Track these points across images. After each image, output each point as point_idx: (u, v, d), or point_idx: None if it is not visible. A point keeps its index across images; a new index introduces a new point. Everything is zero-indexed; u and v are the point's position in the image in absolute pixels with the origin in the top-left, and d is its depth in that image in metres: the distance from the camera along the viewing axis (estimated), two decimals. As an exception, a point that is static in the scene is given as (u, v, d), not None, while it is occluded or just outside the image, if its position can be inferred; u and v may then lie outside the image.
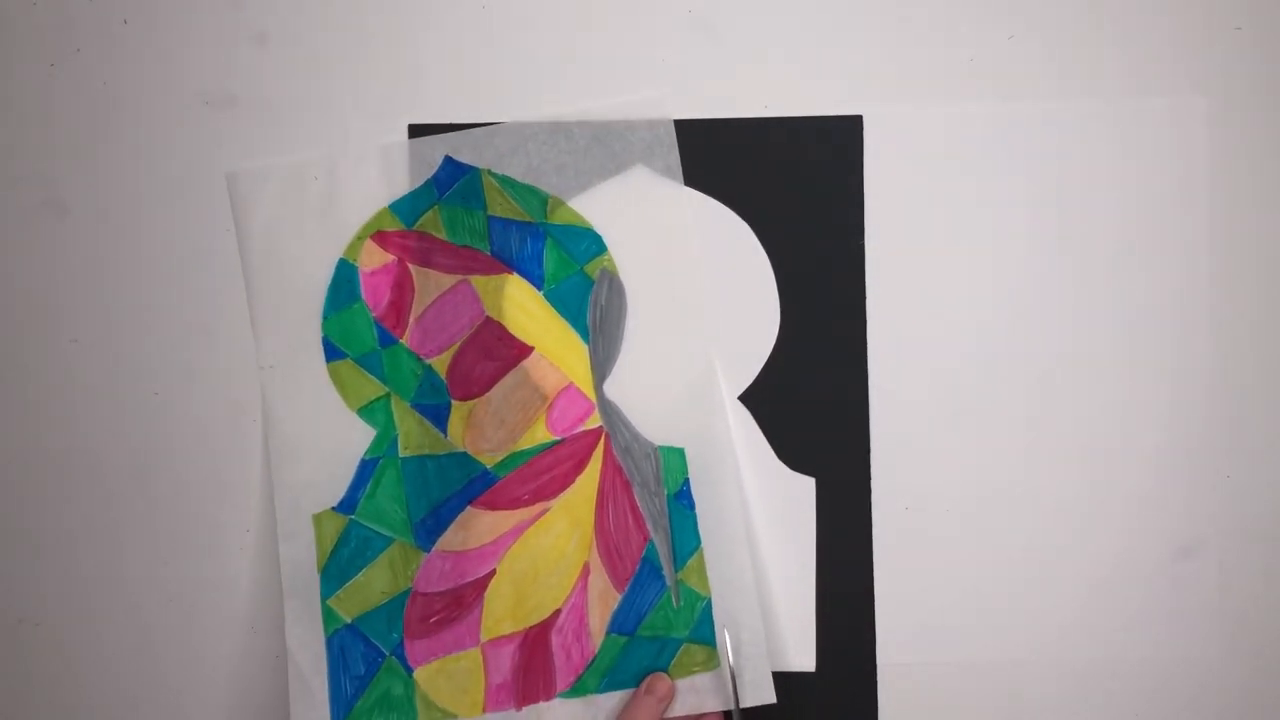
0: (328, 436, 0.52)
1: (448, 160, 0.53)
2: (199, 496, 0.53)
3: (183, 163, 0.53)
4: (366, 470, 0.52)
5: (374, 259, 0.53)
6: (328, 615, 0.52)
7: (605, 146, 0.53)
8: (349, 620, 0.52)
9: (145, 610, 0.53)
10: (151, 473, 0.53)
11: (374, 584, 0.52)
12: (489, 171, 0.53)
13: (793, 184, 0.53)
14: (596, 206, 0.53)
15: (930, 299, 0.53)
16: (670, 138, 0.53)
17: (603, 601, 0.52)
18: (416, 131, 0.53)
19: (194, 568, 0.53)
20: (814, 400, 0.53)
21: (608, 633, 0.52)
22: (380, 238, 0.53)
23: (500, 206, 0.53)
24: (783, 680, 0.52)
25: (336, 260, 0.53)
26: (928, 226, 0.53)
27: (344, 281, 0.53)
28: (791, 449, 0.53)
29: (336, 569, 0.52)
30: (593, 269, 0.53)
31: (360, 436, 0.52)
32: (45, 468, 0.53)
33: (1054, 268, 0.53)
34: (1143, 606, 0.53)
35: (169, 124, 0.53)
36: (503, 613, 0.52)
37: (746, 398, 0.53)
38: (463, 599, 0.52)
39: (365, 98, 0.53)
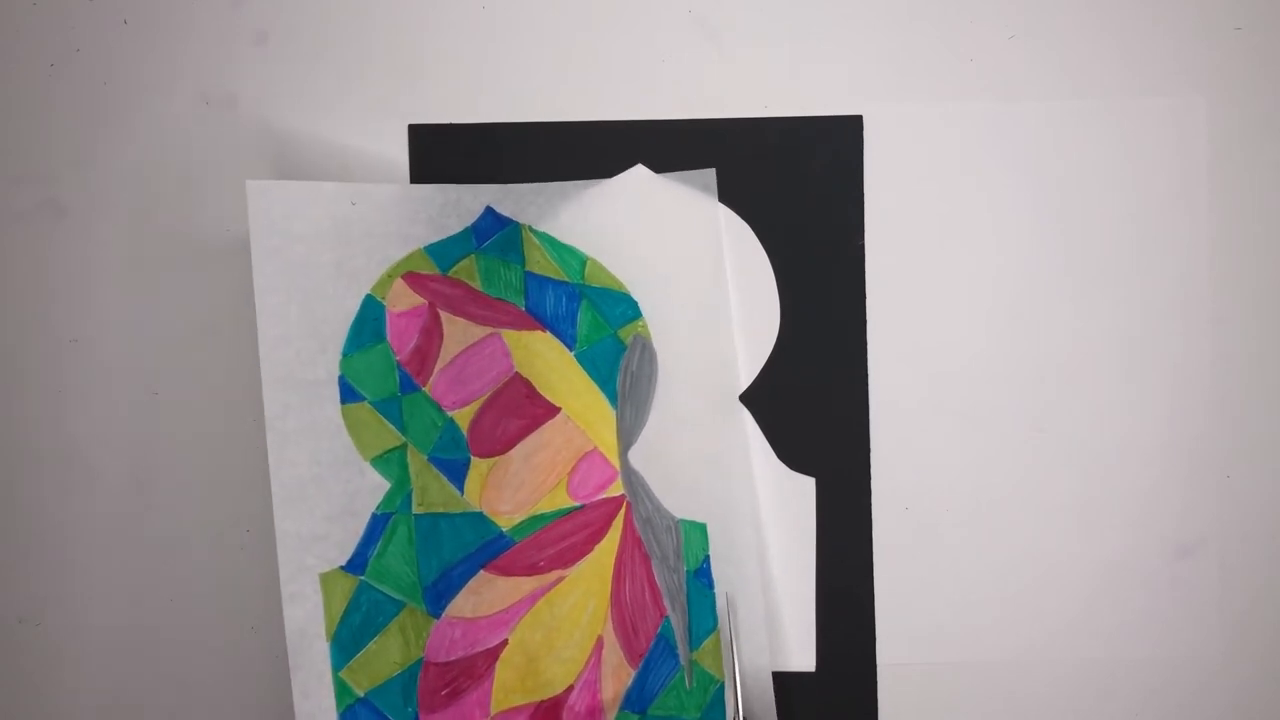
0: (337, 486, 0.49)
1: (489, 211, 0.51)
2: (199, 496, 0.53)
3: (183, 163, 0.53)
4: (378, 526, 0.50)
5: (403, 300, 0.51)
6: (340, 688, 0.49)
7: (646, 210, 0.52)
8: (362, 694, 0.49)
9: (145, 610, 0.53)
10: (151, 473, 0.53)
11: (386, 653, 0.49)
12: (530, 228, 0.52)
13: (793, 184, 0.53)
14: (634, 267, 0.52)
15: (930, 299, 0.53)
16: (715, 213, 0.52)
17: (616, 677, 0.51)
18: (416, 131, 0.53)
19: (194, 568, 0.53)
20: (814, 400, 0.53)
21: (620, 710, 0.51)
22: (412, 279, 0.51)
23: (538, 264, 0.52)
24: (783, 680, 0.52)
25: (363, 295, 0.50)
26: (928, 226, 0.53)
27: (369, 319, 0.50)
28: (791, 449, 0.53)
29: (348, 636, 0.49)
30: (626, 334, 0.52)
31: (372, 488, 0.50)
32: (45, 468, 0.53)
33: (1054, 267, 0.53)
34: (1143, 606, 0.53)
35: (169, 124, 0.53)
36: (513, 684, 0.50)
37: (746, 398, 0.53)
38: (474, 669, 0.50)
39: (365, 98, 0.53)
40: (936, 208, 0.53)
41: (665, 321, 0.52)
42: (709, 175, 0.53)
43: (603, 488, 0.51)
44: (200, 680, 0.53)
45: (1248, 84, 0.53)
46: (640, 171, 0.53)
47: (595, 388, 0.52)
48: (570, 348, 0.52)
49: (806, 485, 0.53)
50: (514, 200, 0.52)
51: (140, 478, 0.53)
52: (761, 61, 0.54)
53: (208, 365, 0.53)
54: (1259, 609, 0.53)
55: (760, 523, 0.52)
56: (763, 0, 0.54)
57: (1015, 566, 0.53)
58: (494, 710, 0.50)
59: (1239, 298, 0.53)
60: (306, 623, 0.49)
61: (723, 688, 0.51)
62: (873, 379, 0.53)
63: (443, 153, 0.53)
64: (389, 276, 0.51)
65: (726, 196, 0.53)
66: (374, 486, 0.50)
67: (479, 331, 0.51)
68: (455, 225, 0.51)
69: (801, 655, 0.53)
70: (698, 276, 0.53)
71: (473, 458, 0.51)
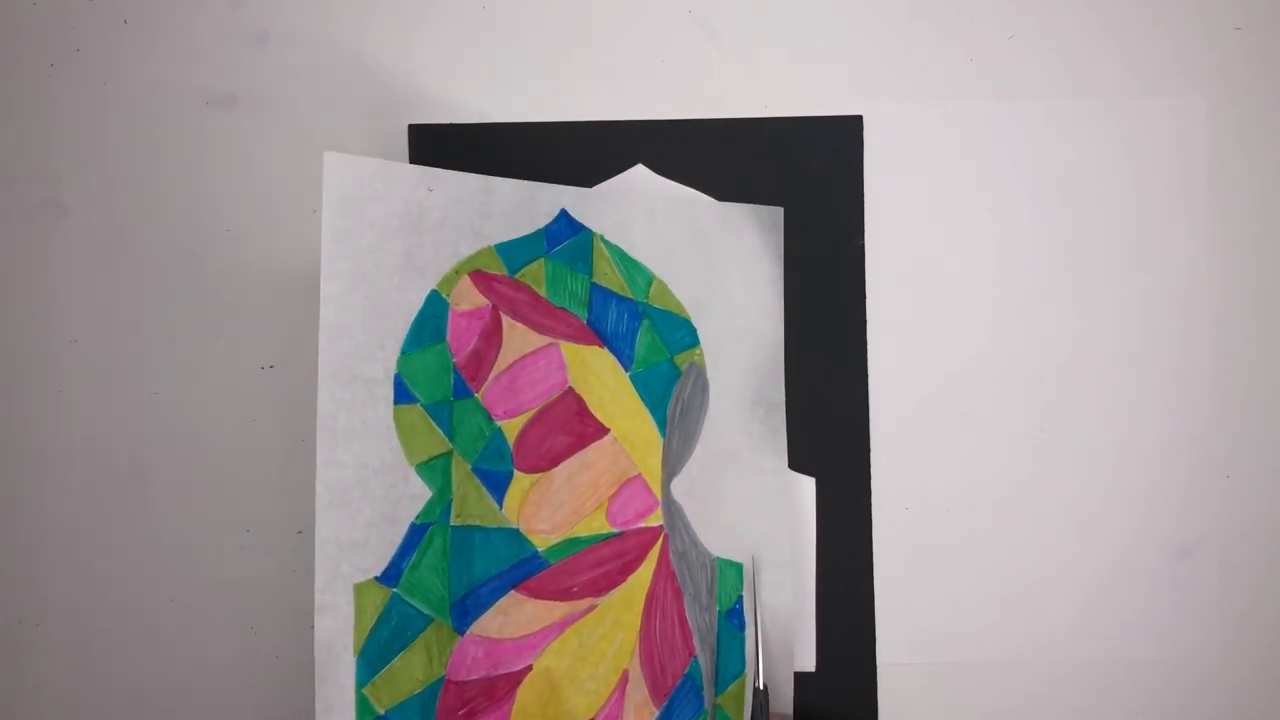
0: (381, 492, 0.46)
1: (564, 214, 0.50)
2: (199, 496, 0.53)
3: (183, 163, 0.53)
4: (416, 536, 0.47)
5: (468, 299, 0.48)
6: (361, 706, 0.46)
7: (717, 240, 0.52)
8: (382, 711, 0.46)
9: (145, 610, 0.53)
10: (151, 473, 0.53)
11: (411, 670, 0.47)
12: (602, 237, 0.50)
13: (793, 184, 0.53)
14: (696, 293, 0.51)
15: (930, 299, 0.53)
16: (779, 252, 0.52)
17: (638, 715, 0.49)
18: (416, 132, 0.53)
19: (194, 568, 0.53)
20: (814, 400, 0.53)
21: None
22: (479, 278, 0.49)
23: (605, 277, 0.50)
24: (783, 680, 0.52)
25: (428, 290, 0.48)
26: (928, 226, 0.53)
27: (431, 316, 0.48)
28: (791, 449, 0.53)
29: (375, 650, 0.46)
30: (682, 360, 0.51)
31: (414, 496, 0.47)
32: (45, 468, 0.53)
33: (1054, 267, 0.53)
34: (1143, 606, 0.53)
35: (169, 124, 0.53)
36: (534, 710, 0.48)
37: (746, 398, 0.53)
38: (494, 691, 0.47)
39: (365, 98, 0.53)
40: (936, 208, 0.53)
41: (720, 354, 0.52)
42: (777, 214, 0.53)
43: (642, 516, 0.50)
44: (200, 680, 0.53)
45: (1248, 84, 0.53)
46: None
47: (646, 411, 0.50)
48: (626, 367, 0.50)
49: (806, 485, 0.53)
50: (591, 206, 0.51)
51: (140, 477, 0.53)
52: (761, 61, 0.53)
53: (208, 365, 0.53)
54: (1259, 609, 0.53)
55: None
56: (763, 0, 0.54)
57: (1015, 566, 0.53)
58: None
59: (1239, 298, 0.53)
60: (336, 635, 0.46)
61: None
62: (873, 379, 0.53)
63: (443, 153, 0.53)
64: (456, 273, 0.48)
65: (727, 197, 0.53)
66: (416, 494, 0.47)
67: (538, 340, 0.49)
68: (528, 225, 0.50)
69: (802, 655, 0.53)
70: (758, 314, 0.52)
71: (516, 472, 0.49)
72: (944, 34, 0.53)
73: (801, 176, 0.53)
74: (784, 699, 0.52)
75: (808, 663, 0.53)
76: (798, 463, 0.53)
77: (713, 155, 0.53)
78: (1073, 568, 0.53)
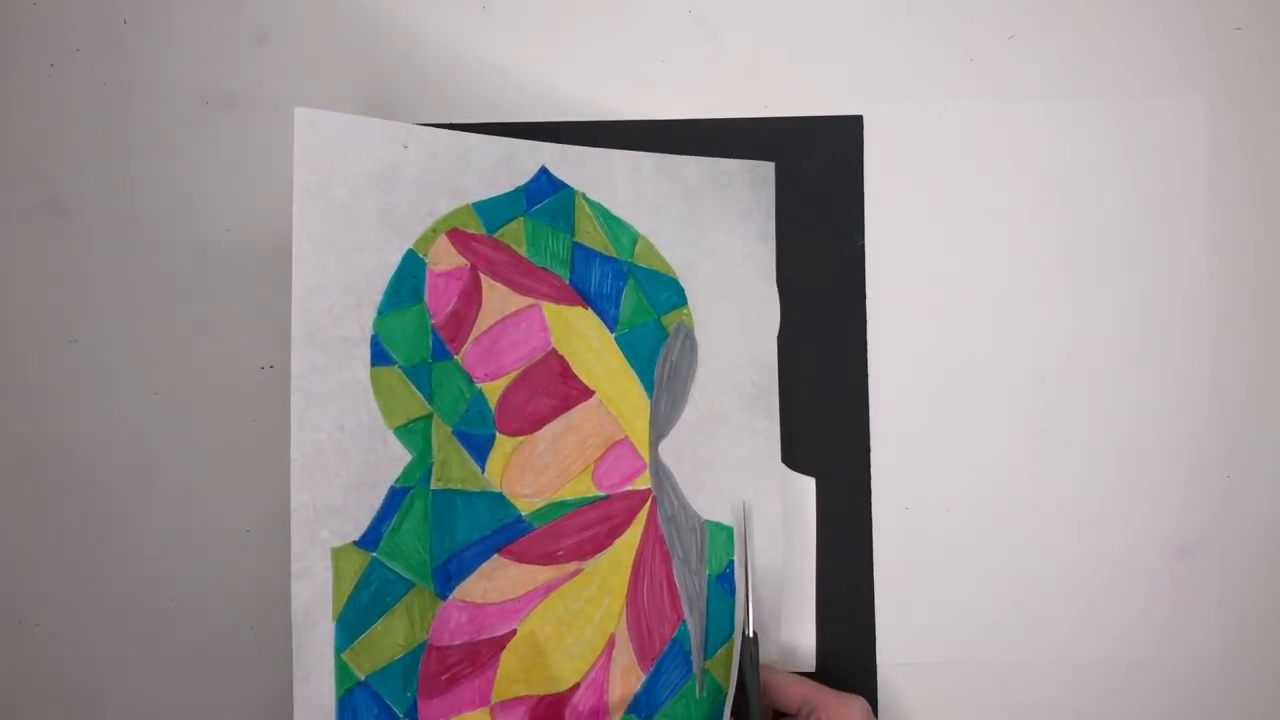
0: (359, 455, 0.46)
1: (544, 171, 0.49)
2: (199, 496, 0.53)
3: (183, 163, 0.53)
4: (395, 500, 0.46)
5: (446, 259, 0.47)
6: (341, 671, 0.45)
7: (705, 196, 0.51)
8: (362, 677, 0.45)
9: (145, 610, 0.53)
10: (151, 473, 0.53)
11: (391, 635, 0.46)
12: (584, 195, 0.50)
13: (793, 184, 0.53)
14: (684, 252, 0.51)
15: (930, 299, 0.53)
16: (770, 208, 0.52)
17: (625, 680, 0.48)
18: (416, 131, 0.53)
19: (194, 568, 0.53)
20: (814, 400, 0.53)
21: (625, 713, 0.48)
22: (457, 237, 0.48)
23: (588, 235, 0.49)
24: (783, 680, 0.52)
25: (405, 250, 0.47)
26: (928, 226, 0.53)
27: (408, 276, 0.47)
28: (791, 449, 0.53)
29: (354, 616, 0.45)
30: (670, 320, 0.50)
31: (394, 459, 0.46)
32: (45, 468, 0.53)
33: (1054, 267, 0.53)
34: (1143, 606, 0.53)
35: (169, 124, 0.53)
36: (518, 674, 0.47)
37: (746, 398, 0.53)
38: (478, 656, 0.47)
39: (365, 98, 0.53)
40: (936, 208, 0.53)
41: (709, 314, 0.51)
42: (768, 169, 0.52)
43: (629, 479, 0.49)
44: (200, 680, 0.53)
45: (1248, 84, 0.53)
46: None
47: (632, 373, 0.50)
48: (611, 329, 0.49)
49: (806, 485, 0.53)
50: (572, 164, 0.49)
51: (140, 478, 0.53)
52: (761, 61, 0.54)
53: (208, 365, 0.53)
54: (1259, 609, 0.53)
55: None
56: (763, 0, 0.54)
57: (1015, 567, 0.53)
58: (494, 699, 0.47)
59: (1239, 298, 0.53)
60: (313, 601, 0.45)
61: (724, 699, 0.50)
62: (873, 379, 0.53)
63: (443, 153, 0.53)
64: (433, 231, 0.47)
65: (726, 196, 0.53)
66: (395, 457, 0.46)
67: (519, 301, 0.48)
68: (507, 183, 0.48)
69: (802, 655, 0.53)
70: (748, 272, 0.51)
71: (498, 435, 0.48)
72: (944, 34, 0.53)
73: (801, 176, 0.53)
74: (770, 658, 0.51)
75: (808, 663, 0.53)
76: (798, 463, 0.53)
77: (713, 155, 0.53)
78: (1073, 568, 0.53)
